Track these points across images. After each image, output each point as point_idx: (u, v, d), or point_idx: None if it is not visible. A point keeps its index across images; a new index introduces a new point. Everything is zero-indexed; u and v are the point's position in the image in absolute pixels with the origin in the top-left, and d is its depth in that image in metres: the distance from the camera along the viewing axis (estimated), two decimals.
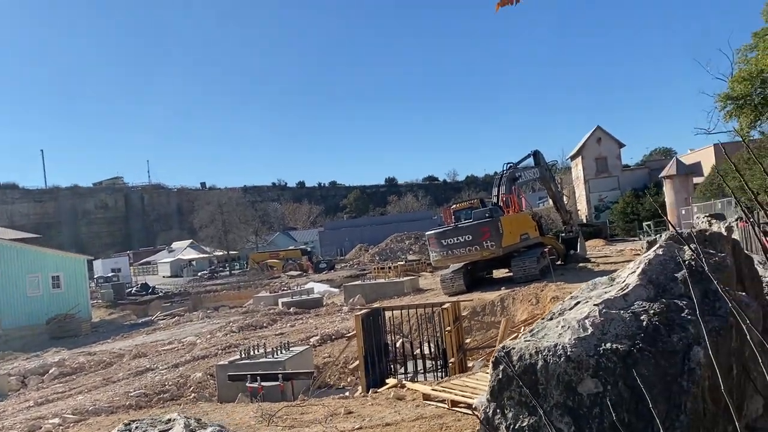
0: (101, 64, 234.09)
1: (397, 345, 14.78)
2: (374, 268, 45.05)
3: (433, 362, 13.75)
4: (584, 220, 52.23)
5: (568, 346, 2.87)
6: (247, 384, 13.42)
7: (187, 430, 2.92)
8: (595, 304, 3.12)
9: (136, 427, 3.05)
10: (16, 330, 33.26)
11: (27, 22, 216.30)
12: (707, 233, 5.16)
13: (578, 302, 3.36)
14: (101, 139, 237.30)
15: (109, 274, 71.82)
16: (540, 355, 2.88)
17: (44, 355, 24.93)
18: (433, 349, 14.01)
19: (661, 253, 3.57)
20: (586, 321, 3.00)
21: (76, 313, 34.79)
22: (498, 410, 2.93)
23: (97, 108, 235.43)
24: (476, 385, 8.46)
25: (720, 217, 25.12)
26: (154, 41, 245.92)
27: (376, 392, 10.07)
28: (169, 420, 3.08)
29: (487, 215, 24.22)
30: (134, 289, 57.10)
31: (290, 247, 78.44)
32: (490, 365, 3.05)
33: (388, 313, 14.89)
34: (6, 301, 35.15)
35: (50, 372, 20.59)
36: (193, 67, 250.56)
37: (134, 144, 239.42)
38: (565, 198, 40.71)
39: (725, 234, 7.33)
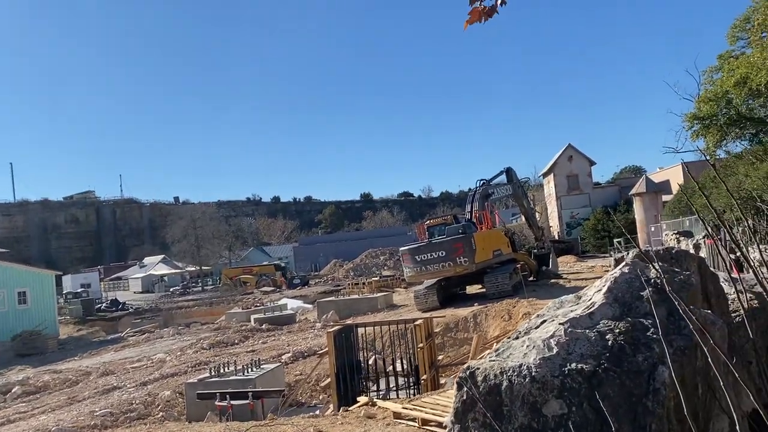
0: (72, 76, 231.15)
1: (370, 362, 14.66)
2: (349, 284, 44.78)
3: (406, 379, 13.66)
4: (556, 237, 52.67)
5: (533, 366, 2.83)
6: (216, 402, 13.15)
7: None
8: (560, 323, 3.10)
9: None
10: None
11: None
12: (674, 251, 5.20)
13: (544, 321, 3.33)
14: (73, 152, 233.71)
15: (79, 290, 70.20)
16: (505, 376, 2.83)
17: (8, 374, 24.23)
18: (405, 366, 13.93)
19: (627, 271, 3.57)
20: (552, 340, 2.97)
21: (42, 329, 33.93)
22: None
23: (69, 121, 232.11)
24: (447, 402, 8.38)
25: (688, 234, 25.54)
26: (126, 55, 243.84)
27: (347, 410, 9.93)
28: None
29: (460, 231, 24.29)
30: (104, 305, 55.94)
31: (264, 263, 77.69)
32: (454, 386, 2.99)
33: (360, 330, 14.78)
34: None
35: (13, 391, 19.98)
36: (167, 81, 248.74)
37: (107, 158, 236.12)
38: (537, 214, 41.07)
39: (692, 252, 7.42)
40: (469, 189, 30.78)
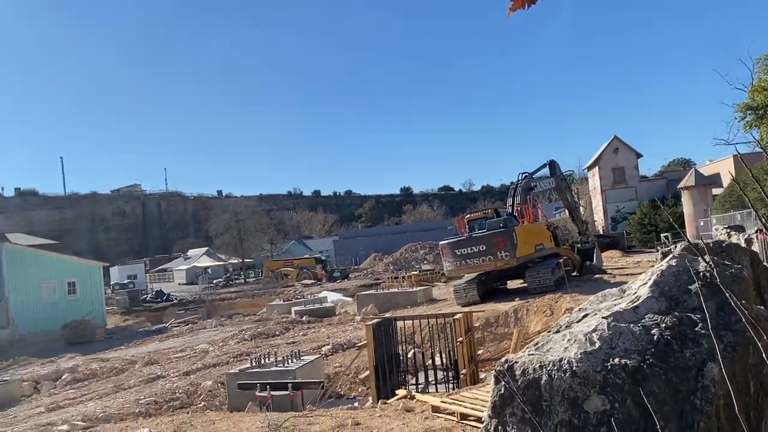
0: (120, 71, 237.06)
1: (409, 355, 14.62)
2: (388, 278, 44.90)
3: (445, 373, 13.58)
4: (601, 231, 51.74)
5: (574, 360, 2.73)
6: (257, 393, 13.32)
7: None
8: (603, 317, 2.98)
9: None
10: (32, 335, 33.48)
11: (49, 32, 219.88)
12: (724, 244, 4.99)
13: (586, 314, 3.22)
14: (120, 146, 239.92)
15: (125, 281, 72.24)
16: (544, 370, 2.74)
17: (58, 361, 25.01)
18: (444, 360, 13.84)
19: (674, 264, 3.42)
20: (594, 334, 2.86)
21: (90, 319, 34.92)
22: (500, 427, 2.79)
23: (117, 115, 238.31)
24: (486, 397, 8.26)
25: (739, 228, 24.66)
26: (172, 49, 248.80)
27: (386, 403, 9.91)
28: None
29: (501, 225, 24.01)
30: (149, 296, 57.32)
31: (305, 256, 78.51)
32: (492, 379, 2.91)
33: (399, 323, 14.74)
34: (23, 307, 35.43)
35: (63, 378, 20.67)
36: (212, 75, 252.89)
37: (153, 152, 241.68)
38: (581, 208, 40.36)
39: (743, 245, 7.13)
40: (511, 182, 30.42)
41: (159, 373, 19.29)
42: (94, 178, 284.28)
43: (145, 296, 56.10)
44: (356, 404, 12.36)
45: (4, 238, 42.10)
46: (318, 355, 17.46)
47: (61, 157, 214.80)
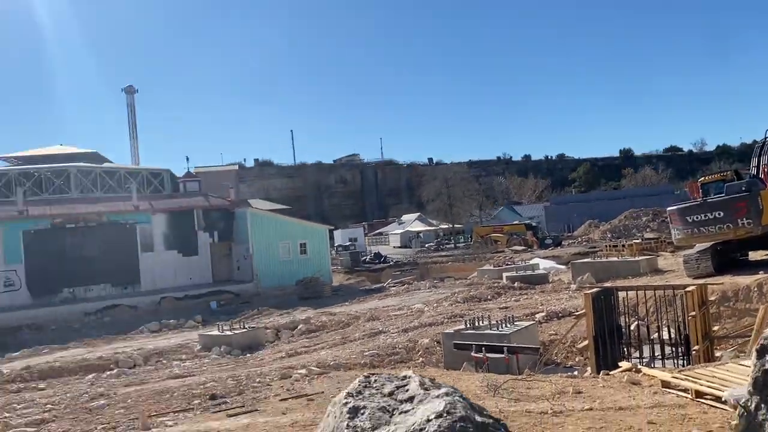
0: (344, 54, 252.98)
1: (632, 327, 13.83)
2: (605, 246, 42.65)
3: (673, 349, 12.61)
4: None
5: None
6: (473, 353, 13.63)
7: (421, 387, 3.08)
8: None
9: (375, 380, 3.29)
10: (272, 290, 37.90)
11: (277, 16, 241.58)
12: None
13: None
14: (341, 119, 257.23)
15: (347, 243, 78.11)
16: None
17: (293, 313, 27.89)
18: (673, 335, 12.84)
19: None
20: None
21: (320, 276, 38.39)
22: (762, 405, 2.50)
23: (339, 91, 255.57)
24: (726, 376, 7.53)
25: None
26: (388, 38, 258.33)
27: (608, 374, 9.52)
28: (405, 377, 3.29)
29: (743, 189, 21.29)
30: (368, 257, 61.18)
31: (515, 222, 77.69)
32: (753, 354, 2.61)
33: (621, 294, 13.98)
34: (264, 264, 40.19)
35: (298, 328, 23.15)
36: (420, 53, 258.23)
37: (369, 123, 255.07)
38: None
39: None
40: (755, 141, 26.77)
41: (380, 329, 20.61)
42: (319, 149, 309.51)
43: (364, 258, 59.99)
44: (575, 373, 12.05)
45: (247, 204, 47.92)
46: (532, 322, 17.27)
47: (291, 131, 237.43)
